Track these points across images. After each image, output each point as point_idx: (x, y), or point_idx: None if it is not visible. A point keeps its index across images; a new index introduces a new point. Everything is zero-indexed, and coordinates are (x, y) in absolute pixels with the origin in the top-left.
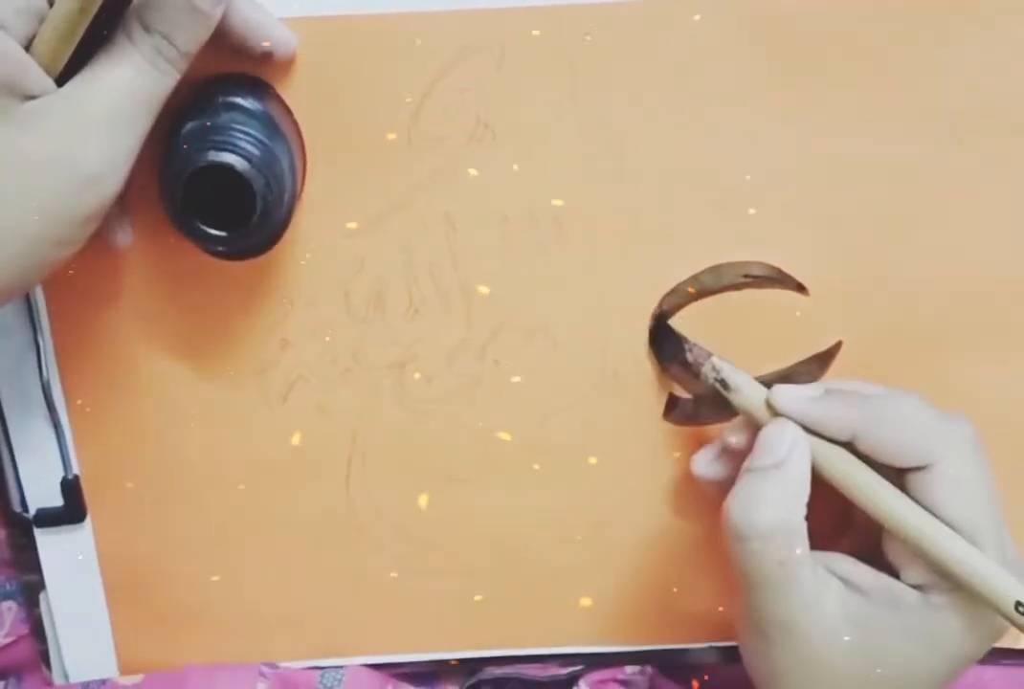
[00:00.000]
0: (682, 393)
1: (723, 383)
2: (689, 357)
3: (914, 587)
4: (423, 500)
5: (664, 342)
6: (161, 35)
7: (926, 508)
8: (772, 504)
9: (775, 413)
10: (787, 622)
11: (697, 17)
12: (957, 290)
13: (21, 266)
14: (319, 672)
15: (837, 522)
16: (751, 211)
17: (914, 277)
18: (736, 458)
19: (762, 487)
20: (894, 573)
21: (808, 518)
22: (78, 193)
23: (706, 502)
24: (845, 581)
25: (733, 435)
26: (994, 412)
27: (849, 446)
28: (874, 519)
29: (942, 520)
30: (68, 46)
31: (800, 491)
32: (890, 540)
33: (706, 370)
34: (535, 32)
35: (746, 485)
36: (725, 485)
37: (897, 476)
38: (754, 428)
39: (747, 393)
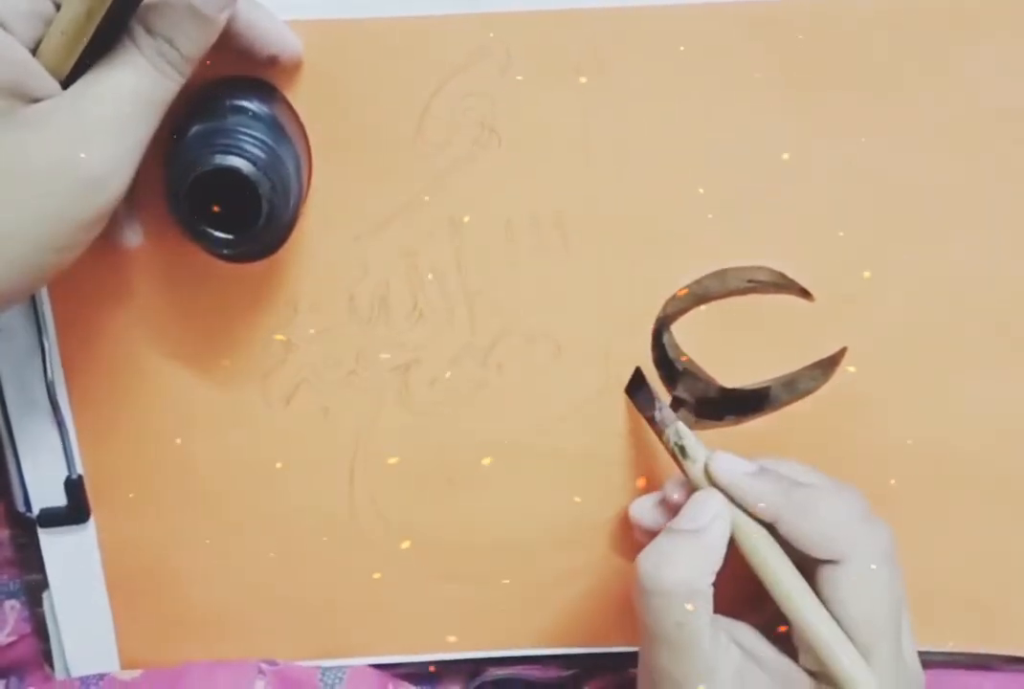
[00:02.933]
0: (684, 397)
1: (682, 449)
2: (656, 415)
3: (809, 672)
4: (425, 502)
5: (638, 393)
6: (164, 39)
7: (828, 602)
8: (681, 565)
9: (711, 480)
10: (679, 681)
11: (703, 23)
12: (962, 296)
13: (23, 271)
14: (320, 670)
15: (752, 594)
16: (756, 216)
17: (919, 283)
18: (672, 512)
19: (675, 548)
20: (794, 654)
21: (720, 586)
22: (81, 197)
23: None
24: (745, 651)
25: (675, 491)
26: (996, 417)
27: (771, 527)
28: (777, 602)
29: (841, 616)
30: (74, 50)
31: (711, 559)
32: (791, 623)
33: (669, 433)
34: (541, 37)
35: (661, 543)
36: (653, 534)
37: (810, 564)
38: (690, 491)
39: (700, 464)
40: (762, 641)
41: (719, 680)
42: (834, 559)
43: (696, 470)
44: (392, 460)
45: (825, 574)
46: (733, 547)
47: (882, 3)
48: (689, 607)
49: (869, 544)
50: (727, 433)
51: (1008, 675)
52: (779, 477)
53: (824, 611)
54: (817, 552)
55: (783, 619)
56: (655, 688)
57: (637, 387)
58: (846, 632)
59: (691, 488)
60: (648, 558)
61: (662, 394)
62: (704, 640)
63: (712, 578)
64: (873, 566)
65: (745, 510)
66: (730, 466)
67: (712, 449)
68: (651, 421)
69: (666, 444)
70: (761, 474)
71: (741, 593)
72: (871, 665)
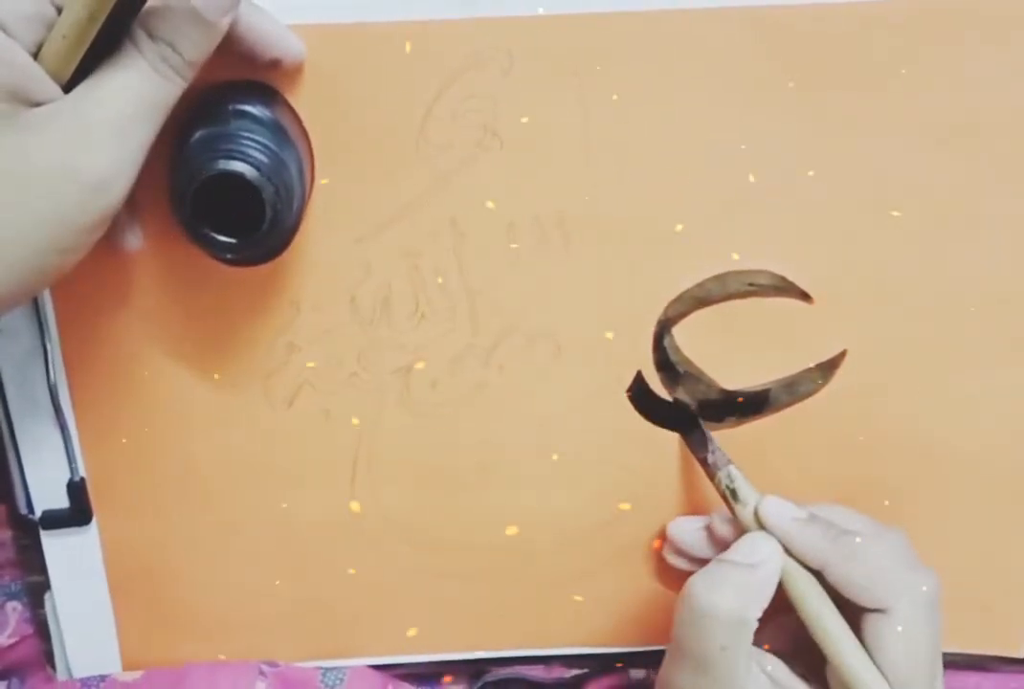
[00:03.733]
0: (685, 400)
1: (733, 493)
2: (710, 458)
3: None
4: (427, 503)
5: (691, 434)
6: (166, 43)
7: (871, 649)
8: (732, 593)
9: (760, 523)
10: None
11: (704, 25)
12: (962, 299)
13: (25, 273)
14: (320, 671)
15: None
16: (757, 219)
17: (919, 286)
18: (716, 543)
19: (729, 577)
20: None
21: (762, 622)
22: (83, 201)
23: (707, 505)
24: (774, 682)
25: (723, 526)
26: (996, 419)
27: (818, 574)
28: (821, 646)
29: (882, 663)
30: (76, 54)
31: (762, 595)
32: (831, 667)
33: (721, 475)
34: (543, 40)
35: (715, 570)
36: (683, 553)
37: (855, 610)
38: (738, 530)
39: (751, 507)
40: (792, 677)
41: None
42: (880, 608)
43: (746, 514)
44: (394, 461)
45: (870, 622)
46: (778, 591)
47: (883, 6)
48: (736, 633)
49: (915, 594)
50: (728, 434)
51: (1007, 676)
52: (828, 524)
53: (866, 657)
54: (863, 601)
55: (814, 663)
56: None
57: (691, 427)
58: (885, 678)
59: (739, 526)
60: (702, 582)
61: (663, 396)
62: (740, 667)
63: (760, 612)
64: (918, 617)
65: (792, 555)
66: (780, 511)
67: (762, 493)
68: (703, 462)
69: (717, 486)
70: (810, 521)
71: (779, 634)
72: None
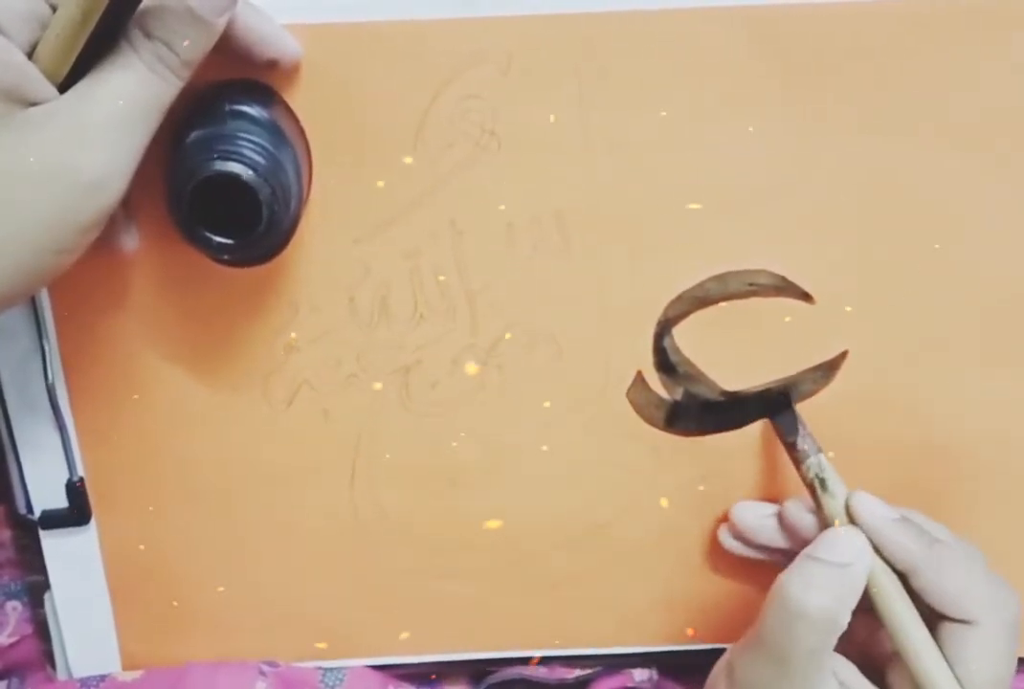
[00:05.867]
0: (685, 401)
1: (822, 482)
2: (799, 443)
3: None
4: (426, 503)
5: (781, 416)
6: (162, 43)
7: (953, 660)
8: (828, 595)
9: (851, 518)
10: None
11: (702, 26)
12: (963, 299)
13: (21, 274)
14: (320, 671)
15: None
16: (757, 219)
17: (920, 286)
18: (791, 533)
19: (823, 577)
20: None
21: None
22: (79, 201)
23: (707, 507)
24: (844, 687)
25: (803, 516)
26: (998, 420)
27: (901, 577)
28: (896, 649)
29: (962, 675)
30: (71, 53)
31: (854, 595)
32: (898, 670)
33: (810, 463)
34: (542, 40)
35: (808, 569)
36: (744, 538)
37: (934, 618)
38: (822, 521)
39: (840, 499)
40: (863, 681)
41: None
42: (967, 620)
43: (835, 506)
44: (393, 461)
45: (954, 633)
46: None
47: (882, 7)
48: (828, 636)
49: (1002, 609)
50: (729, 436)
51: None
52: (920, 529)
53: (947, 668)
54: (951, 610)
55: (877, 666)
56: None
57: (782, 409)
58: None
59: (822, 519)
60: (796, 581)
61: (663, 397)
62: (820, 670)
63: (850, 616)
64: (1005, 634)
65: (881, 555)
66: (874, 509)
67: (852, 489)
68: (791, 448)
69: (804, 474)
70: (903, 522)
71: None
72: None
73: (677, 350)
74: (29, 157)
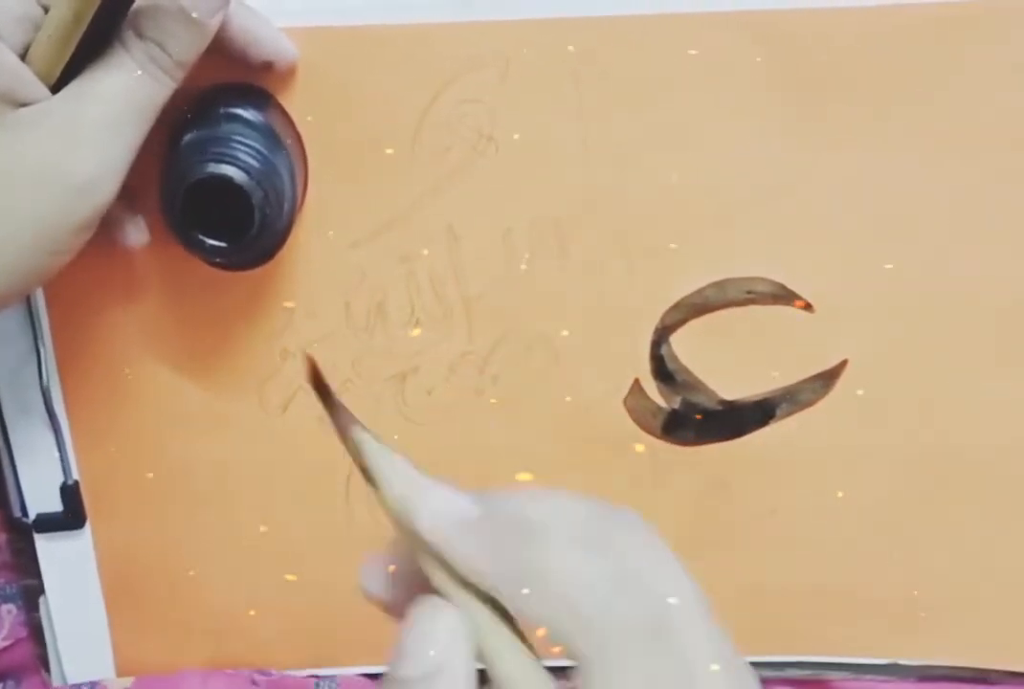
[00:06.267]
0: (683, 410)
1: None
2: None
3: None
4: None
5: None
6: (155, 43)
7: None
8: None
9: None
10: None
11: (702, 32)
12: (962, 307)
13: (13, 275)
14: (313, 681)
15: None
16: (756, 227)
17: (919, 294)
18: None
19: None
20: None
21: None
22: (71, 201)
23: (706, 517)
24: None
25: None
26: (996, 428)
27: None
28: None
29: None
30: (63, 54)
31: None
32: None
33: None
34: (540, 44)
35: None
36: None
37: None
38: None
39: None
40: None
41: None
42: (572, 662)
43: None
44: None
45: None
46: None
47: (883, 14)
48: None
49: (624, 630)
50: (727, 444)
51: None
52: (504, 523)
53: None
54: (549, 646)
55: None
56: None
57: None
58: None
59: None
60: None
61: (661, 405)
62: None
63: None
64: (629, 666)
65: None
66: (444, 509)
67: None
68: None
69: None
70: (481, 522)
71: None
72: None
73: (675, 358)
74: (21, 157)
